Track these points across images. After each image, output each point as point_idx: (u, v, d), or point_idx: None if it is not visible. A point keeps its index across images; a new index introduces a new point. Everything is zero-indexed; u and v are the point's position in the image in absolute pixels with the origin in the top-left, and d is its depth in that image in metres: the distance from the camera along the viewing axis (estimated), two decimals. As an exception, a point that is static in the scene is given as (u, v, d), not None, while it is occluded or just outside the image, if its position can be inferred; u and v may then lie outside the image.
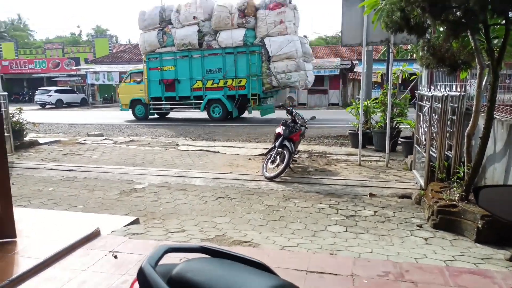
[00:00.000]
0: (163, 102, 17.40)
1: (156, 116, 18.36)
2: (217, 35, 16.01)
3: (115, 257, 3.23)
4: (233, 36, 15.56)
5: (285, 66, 15.07)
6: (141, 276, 1.06)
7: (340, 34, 7.42)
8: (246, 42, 15.49)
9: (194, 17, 16.03)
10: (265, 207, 4.85)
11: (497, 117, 4.15)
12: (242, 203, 5.02)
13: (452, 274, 2.86)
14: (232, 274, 1.10)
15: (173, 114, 19.28)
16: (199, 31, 16.09)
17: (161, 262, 1.14)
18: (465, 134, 4.31)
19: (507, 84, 4.92)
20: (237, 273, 1.10)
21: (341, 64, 26.23)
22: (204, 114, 17.05)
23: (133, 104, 17.87)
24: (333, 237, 3.88)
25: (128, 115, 18.23)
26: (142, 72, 17.82)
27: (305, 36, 17.65)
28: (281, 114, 10.95)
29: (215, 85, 16.31)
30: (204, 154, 8.61)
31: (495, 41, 4.14)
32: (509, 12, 3.56)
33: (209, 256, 1.23)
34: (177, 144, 10.00)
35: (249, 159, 7.90)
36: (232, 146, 9.46)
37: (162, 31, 16.72)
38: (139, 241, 3.68)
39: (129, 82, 18.26)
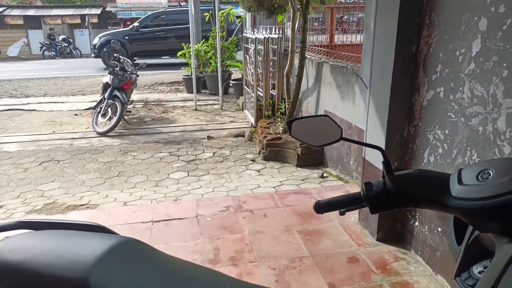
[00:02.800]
0: None
1: None
2: None
3: None
4: None
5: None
6: None
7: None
8: None
9: None
10: (101, 165, 4.50)
11: (308, 56, 4.74)
12: (72, 165, 4.53)
13: (281, 197, 3.31)
14: (61, 244, 0.97)
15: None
16: None
17: None
18: (284, 73, 4.81)
19: (314, 27, 5.62)
20: (68, 242, 0.98)
21: (168, 6, 25.08)
22: (7, 67, 14.08)
23: None
24: (176, 183, 3.93)
25: None
26: None
27: None
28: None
29: None
30: (16, 113, 7.25)
31: (304, -13, 4.57)
32: None
33: (32, 231, 1.05)
34: (-25, 104, 8.10)
35: (76, 114, 7.05)
36: (52, 102, 8.22)
37: None
38: None
39: None
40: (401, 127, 2.46)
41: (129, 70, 6.26)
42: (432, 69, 2.20)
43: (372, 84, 2.63)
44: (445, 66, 2.09)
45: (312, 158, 4.25)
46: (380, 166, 0.85)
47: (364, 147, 2.95)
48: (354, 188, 3.49)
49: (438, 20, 2.13)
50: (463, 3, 1.94)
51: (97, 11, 22.55)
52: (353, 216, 2.89)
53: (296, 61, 4.64)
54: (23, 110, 7.51)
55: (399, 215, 2.57)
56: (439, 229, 2.21)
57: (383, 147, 2.28)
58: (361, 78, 3.27)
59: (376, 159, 2.59)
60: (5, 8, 22.26)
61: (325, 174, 3.94)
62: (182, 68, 9.62)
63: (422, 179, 0.82)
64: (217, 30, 7.21)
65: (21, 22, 21.53)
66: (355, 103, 3.56)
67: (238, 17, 9.47)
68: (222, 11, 8.34)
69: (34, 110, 7.50)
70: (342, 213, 0.93)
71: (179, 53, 9.29)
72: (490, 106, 1.79)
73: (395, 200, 0.83)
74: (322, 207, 0.91)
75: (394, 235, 2.62)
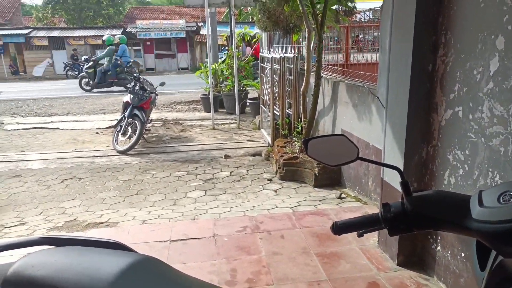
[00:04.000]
0: None
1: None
2: None
3: None
4: None
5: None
6: None
7: (182, -6, 7.22)
8: None
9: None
10: (121, 183, 4.58)
11: (324, 75, 4.77)
12: (93, 182, 4.63)
13: (298, 217, 3.29)
14: (81, 260, 1.00)
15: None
16: None
17: None
18: (300, 92, 4.84)
19: (330, 46, 5.67)
20: (88, 258, 1.01)
21: (186, 26, 25.74)
22: (32, 86, 14.62)
23: None
24: (193, 202, 3.95)
25: None
26: None
27: None
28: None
29: None
30: (40, 132, 7.49)
31: (318, 6, 4.64)
32: None
33: (54, 247, 1.09)
34: (2, 123, 8.41)
35: (97, 133, 7.24)
36: (74, 120, 8.47)
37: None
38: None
39: None
40: (420, 147, 2.44)
41: (149, 89, 6.42)
42: (449, 88, 2.19)
43: (388, 103, 2.62)
44: (463, 85, 2.07)
45: (330, 178, 4.22)
46: (399, 187, 0.85)
47: (382, 167, 2.92)
48: (373, 209, 3.44)
49: (454, 38, 2.13)
50: (479, 21, 1.93)
51: (118, 32, 23.29)
52: (372, 239, 2.84)
53: (312, 80, 4.67)
54: (47, 128, 7.75)
55: (420, 238, 2.51)
56: (462, 254, 2.15)
57: (401, 168, 2.26)
58: (377, 97, 3.27)
59: (394, 180, 2.55)
60: (31, 29, 23.27)
61: (343, 195, 3.90)
62: (200, 87, 9.79)
63: (442, 200, 0.81)
64: (233, 50, 7.35)
65: (46, 43, 22.43)
66: (372, 122, 3.54)
67: (254, 37, 9.64)
68: (239, 31, 8.52)
69: (58, 128, 7.73)
70: (360, 235, 0.92)
71: (197, 72, 9.48)
72: (511, 126, 1.77)
73: (414, 222, 0.82)
74: (339, 228, 0.90)
75: (415, 259, 2.55)
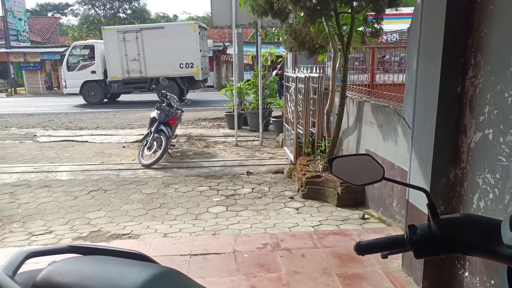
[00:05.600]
0: None
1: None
2: None
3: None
4: None
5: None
6: None
7: (210, 15, 7.42)
8: None
9: None
10: (144, 196, 4.66)
11: (349, 95, 4.76)
12: (118, 195, 4.73)
13: (319, 237, 3.24)
14: (107, 269, 1.02)
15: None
16: None
17: (25, 269, 0.99)
18: (325, 111, 4.84)
19: (355, 66, 5.68)
20: (113, 268, 1.03)
21: (213, 46, 26.37)
22: (65, 101, 15.27)
23: None
24: (214, 217, 3.97)
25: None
26: None
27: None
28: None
29: None
30: (70, 144, 7.76)
31: (344, 28, 4.68)
32: (354, 2, 4.07)
33: (80, 255, 1.12)
34: (35, 135, 8.78)
35: (123, 147, 7.44)
36: (102, 134, 8.74)
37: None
38: (-8, 251, 3.17)
39: None
40: (447, 169, 2.38)
41: (175, 105, 6.58)
42: (479, 110, 2.15)
43: (415, 124, 2.59)
44: (493, 107, 2.03)
45: (353, 198, 4.15)
46: (425, 210, 0.83)
47: (407, 188, 2.86)
48: (397, 231, 3.35)
49: (484, 60, 2.10)
50: (510, 44, 1.91)
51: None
52: (396, 261, 2.76)
53: (337, 100, 4.67)
54: (76, 141, 8.03)
55: (447, 263, 2.42)
56: (492, 282, 2.06)
57: (428, 190, 2.21)
58: (403, 118, 3.23)
59: (420, 202, 2.49)
60: (67, 48, 24.38)
61: (366, 216, 3.82)
62: (225, 105, 9.94)
63: (470, 224, 0.79)
64: (259, 69, 7.46)
65: (80, 60, 23.38)
66: (397, 143, 3.49)
67: (280, 56, 9.77)
68: (264, 51, 8.67)
69: (86, 141, 8.00)
70: (384, 256, 0.91)
71: (222, 90, 9.66)
72: (544, 150, 1.71)
73: (441, 245, 0.80)
74: (363, 248, 0.89)
75: (441, 285, 2.45)
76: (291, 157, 5.69)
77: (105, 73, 15.64)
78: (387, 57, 6.56)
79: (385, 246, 0.89)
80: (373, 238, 0.91)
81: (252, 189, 4.85)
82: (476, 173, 2.17)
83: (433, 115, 2.35)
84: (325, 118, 4.84)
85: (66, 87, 16.26)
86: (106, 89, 15.79)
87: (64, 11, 46.08)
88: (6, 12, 24.45)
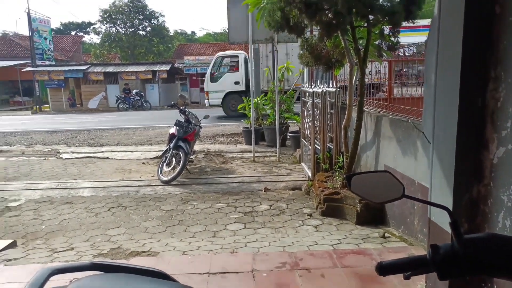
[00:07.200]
0: None
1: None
2: None
3: (-13, 292, 2.78)
4: None
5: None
6: None
7: (227, 31, 7.55)
8: None
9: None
10: (163, 213, 4.70)
11: (366, 110, 4.72)
12: (137, 211, 4.79)
13: (339, 256, 3.18)
14: (128, 287, 1.04)
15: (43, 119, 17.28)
16: None
17: (48, 287, 1.01)
18: (342, 126, 4.81)
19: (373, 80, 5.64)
20: (134, 286, 1.06)
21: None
22: (87, 118, 15.67)
23: None
24: (233, 235, 3.96)
25: None
26: None
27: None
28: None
29: None
30: (91, 161, 7.94)
31: (361, 41, 4.68)
32: (370, 16, 4.07)
33: (102, 273, 1.15)
34: (58, 152, 9.03)
35: (143, 163, 7.55)
36: (123, 151, 8.91)
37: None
38: (17, 267, 3.25)
39: None
40: (470, 185, 2.31)
41: (194, 122, 6.67)
42: (501, 124, 2.09)
43: (435, 139, 2.54)
44: (516, 122, 1.97)
45: (372, 216, 4.07)
46: (448, 228, 0.81)
47: (429, 206, 2.79)
48: (419, 251, 3.26)
49: (505, 73, 2.05)
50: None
51: (167, 67, 24.66)
52: (419, 283, 2.67)
53: (354, 115, 4.63)
54: (98, 158, 8.21)
55: (473, 285, 2.33)
56: (521, 305, 1.97)
57: (450, 207, 2.14)
58: (423, 133, 3.17)
59: (443, 220, 2.42)
60: (89, 66, 25.27)
61: (386, 234, 3.74)
62: (242, 120, 10.01)
63: (497, 244, 0.76)
64: (275, 84, 7.50)
65: (101, 78, 24.15)
66: (417, 158, 3.42)
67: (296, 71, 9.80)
68: (280, 66, 8.72)
69: (108, 158, 8.16)
70: (406, 277, 0.88)
71: (240, 106, 9.74)
72: None
73: (466, 266, 0.77)
74: (385, 268, 0.86)
75: (467, 307, 2.36)
76: (309, 173, 5.64)
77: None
78: (404, 70, 6.50)
79: (408, 267, 0.87)
80: (395, 257, 0.89)
81: (270, 206, 4.83)
82: (501, 190, 2.10)
83: (454, 129, 2.30)
84: (342, 133, 4.80)
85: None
86: None
87: (87, 30, 47.85)
88: (33, 32, 25.49)
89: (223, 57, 16.75)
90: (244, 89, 15.55)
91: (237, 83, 15.80)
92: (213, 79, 16.07)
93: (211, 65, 16.67)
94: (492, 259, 0.75)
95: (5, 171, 7.25)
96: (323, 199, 4.35)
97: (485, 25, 2.17)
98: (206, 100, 16.47)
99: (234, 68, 16.10)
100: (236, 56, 16.32)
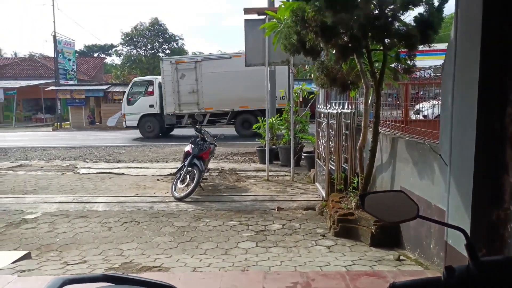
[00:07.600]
0: None
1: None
2: None
3: (0, 301, 2.81)
4: None
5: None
6: None
7: (244, 54, 7.68)
8: None
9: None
10: (175, 229, 4.70)
11: (382, 131, 4.70)
12: (150, 227, 4.80)
13: (352, 277, 3.10)
14: None
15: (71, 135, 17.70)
16: None
17: None
18: (357, 147, 4.78)
19: (388, 102, 5.62)
20: None
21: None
22: (105, 135, 16.01)
23: None
24: (244, 253, 3.92)
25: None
26: None
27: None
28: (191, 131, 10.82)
29: None
30: (107, 176, 8.06)
31: (376, 64, 4.70)
32: (385, 39, 4.10)
33: (113, 285, 1.15)
34: (76, 167, 9.20)
35: (157, 179, 7.62)
36: (138, 167, 9.02)
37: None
38: (30, 278, 3.28)
39: None
40: (489, 209, 2.26)
41: (209, 140, 6.74)
42: (521, 148, 2.06)
43: (452, 161, 2.51)
44: (536, 145, 1.94)
45: (387, 238, 3.98)
46: (465, 252, 0.80)
47: (446, 229, 2.72)
48: (436, 275, 3.15)
49: (524, 97, 2.04)
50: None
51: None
52: (435, 306, 2.58)
53: (369, 136, 4.61)
54: (113, 173, 8.33)
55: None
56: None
57: (468, 231, 2.09)
58: (440, 155, 3.13)
59: (460, 243, 2.35)
60: (110, 85, 26.01)
61: (401, 257, 3.64)
62: (257, 140, 10.05)
63: None
64: (291, 105, 7.56)
65: (121, 97, 24.73)
66: (434, 181, 3.36)
67: (311, 93, 9.86)
68: (296, 88, 8.80)
69: (123, 174, 8.27)
70: None
71: (255, 125, 9.81)
72: None
73: None
74: None
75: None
76: (323, 193, 5.59)
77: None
78: (421, 93, 6.47)
79: None
80: None
81: (283, 225, 4.78)
82: (521, 214, 2.05)
83: (471, 152, 2.27)
84: (357, 154, 4.77)
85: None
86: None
87: (109, 52, 49.39)
88: (58, 54, 26.58)
89: (139, 82, 17.63)
90: (158, 112, 16.42)
91: (151, 106, 16.56)
92: (130, 102, 16.83)
93: (127, 89, 17.53)
94: (507, 282, 0.73)
95: (23, 184, 7.41)
96: (337, 219, 4.29)
97: (503, 48, 2.18)
98: (123, 122, 17.33)
99: (149, 92, 16.79)
100: (151, 81, 17.10)
